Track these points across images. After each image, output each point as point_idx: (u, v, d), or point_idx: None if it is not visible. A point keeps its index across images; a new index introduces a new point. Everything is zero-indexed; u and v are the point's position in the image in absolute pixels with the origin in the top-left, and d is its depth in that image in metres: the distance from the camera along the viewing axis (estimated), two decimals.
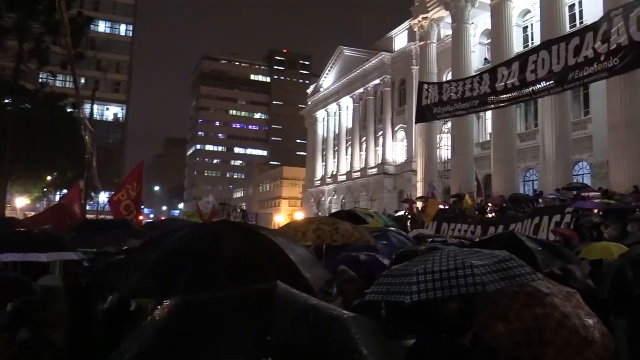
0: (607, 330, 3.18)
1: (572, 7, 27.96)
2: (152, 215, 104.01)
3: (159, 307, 1.76)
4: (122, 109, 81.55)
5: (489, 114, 29.47)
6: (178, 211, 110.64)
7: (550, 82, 17.95)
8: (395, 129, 44.35)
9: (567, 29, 25.04)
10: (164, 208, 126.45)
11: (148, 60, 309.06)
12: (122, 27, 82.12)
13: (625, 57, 15.07)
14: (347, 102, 52.13)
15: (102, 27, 78.33)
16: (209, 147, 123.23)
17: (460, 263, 2.57)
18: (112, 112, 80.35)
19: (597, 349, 2.94)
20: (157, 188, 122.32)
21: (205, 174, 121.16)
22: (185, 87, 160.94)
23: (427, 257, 2.83)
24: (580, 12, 27.64)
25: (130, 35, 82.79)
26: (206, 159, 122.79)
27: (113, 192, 12.26)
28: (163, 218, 38.46)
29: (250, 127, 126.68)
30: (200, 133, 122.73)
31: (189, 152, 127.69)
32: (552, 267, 4.51)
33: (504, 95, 19.84)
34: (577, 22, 27.17)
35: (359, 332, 1.57)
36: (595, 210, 14.01)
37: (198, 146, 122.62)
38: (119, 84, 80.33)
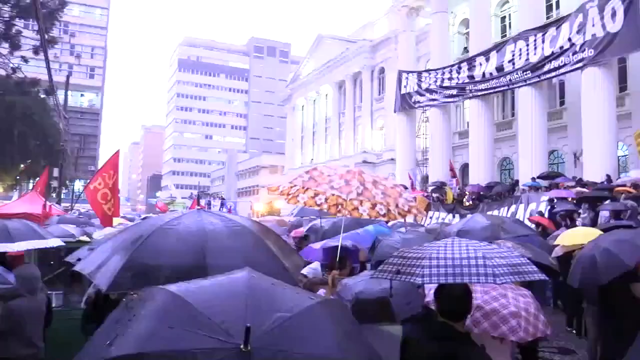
0: (538, 306, 3.40)
1: None
2: (129, 204, 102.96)
3: (135, 294, 1.78)
4: (97, 96, 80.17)
5: (467, 102, 29.71)
6: (155, 199, 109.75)
7: (527, 71, 18.18)
8: (375, 117, 44.46)
9: (544, 19, 25.30)
10: (142, 196, 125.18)
11: (124, 45, 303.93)
12: (97, 11, 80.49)
13: (600, 47, 15.32)
14: (326, 89, 52.03)
15: (76, 11, 76.66)
16: (186, 135, 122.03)
17: (473, 253, 2.72)
18: (87, 98, 78.94)
19: (522, 321, 3.16)
20: (134, 176, 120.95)
21: (183, 162, 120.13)
22: (162, 73, 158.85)
23: (438, 244, 2.98)
24: (557, 2, 27.90)
25: (106, 20, 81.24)
26: (184, 147, 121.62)
27: (89, 181, 12.10)
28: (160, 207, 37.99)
29: (228, 114, 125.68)
30: (177, 120, 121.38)
31: (166, 139, 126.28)
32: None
33: (482, 85, 20.06)
34: (554, 12, 27.46)
35: (326, 316, 1.61)
36: (570, 198, 14.30)
37: (176, 133, 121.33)
38: (94, 70, 78.89)
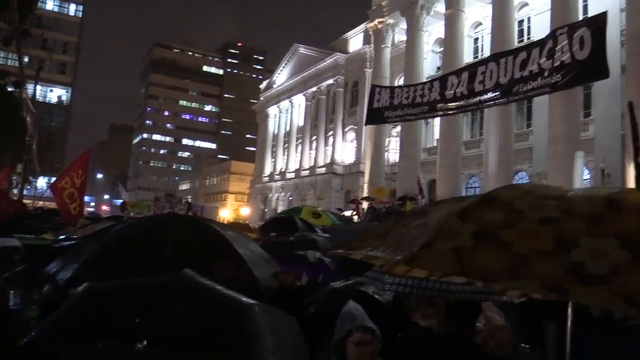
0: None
1: (521, 22, 29.03)
2: (93, 204, 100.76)
3: (76, 292, 1.79)
4: (67, 92, 78.45)
5: (437, 120, 30.19)
6: (120, 201, 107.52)
7: (497, 93, 18.50)
8: (346, 129, 44.73)
9: (516, 43, 25.96)
10: (106, 197, 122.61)
11: (98, 43, 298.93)
12: (72, 6, 79.00)
13: (568, 74, 15.73)
14: (299, 100, 52.15)
15: (50, 5, 75.15)
16: (156, 137, 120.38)
17: None
18: (56, 94, 77.16)
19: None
20: (99, 176, 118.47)
21: (151, 164, 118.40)
22: (135, 73, 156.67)
23: None
24: (529, 28, 28.74)
25: (80, 15, 79.76)
26: (153, 149, 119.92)
27: (55, 178, 11.79)
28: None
29: (200, 118, 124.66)
30: (148, 122, 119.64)
31: (135, 140, 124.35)
32: None
33: (453, 104, 20.27)
34: (525, 37, 28.23)
35: (263, 321, 1.61)
36: None
37: (145, 135, 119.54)
38: (65, 66, 77.20)
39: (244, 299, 1.70)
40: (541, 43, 17.54)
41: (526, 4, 28.91)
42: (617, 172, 19.80)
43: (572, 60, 15.84)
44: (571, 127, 21.58)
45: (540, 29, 24.95)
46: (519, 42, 26.90)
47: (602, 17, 15.27)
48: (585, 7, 24.79)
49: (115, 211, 64.75)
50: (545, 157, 22.77)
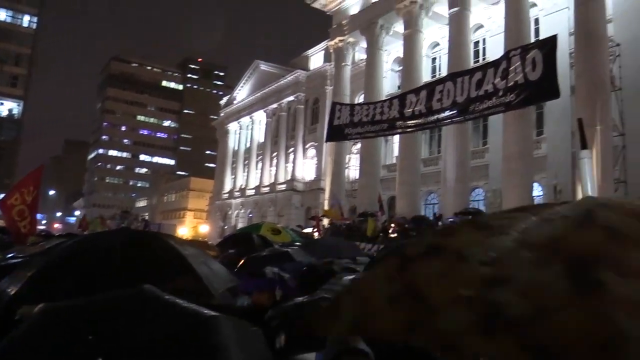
0: None
1: (477, 43, 29.92)
2: (44, 222, 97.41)
3: (31, 313, 1.74)
4: (18, 105, 75.97)
5: (396, 138, 30.63)
6: (74, 218, 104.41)
7: (454, 111, 18.96)
8: (307, 146, 44.85)
9: (472, 63, 26.72)
10: (59, 214, 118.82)
11: (53, 55, 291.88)
12: (26, 17, 76.86)
13: (521, 94, 16.26)
14: (260, 116, 52.06)
15: (2, 15, 73.02)
16: (112, 153, 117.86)
17: None
18: (7, 107, 74.61)
19: None
20: (52, 192, 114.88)
21: (107, 180, 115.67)
22: (91, 87, 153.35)
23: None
24: (484, 49, 29.64)
25: (34, 27, 77.71)
26: (109, 165, 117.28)
27: (4, 195, 11.31)
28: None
29: (158, 134, 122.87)
30: (104, 137, 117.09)
31: (90, 156, 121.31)
32: None
33: (411, 121, 20.68)
34: (481, 58, 29.09)
35: (228, 333, 1.59)
36: None
37: (101, 150, 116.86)
38: (17, 78, 74.80)
39: (207, 312, 1.67)
40: (496, 64, 18.12)
41: (481, 26, 29.85)
42: (568, 188, 20.48)
43: (525, 81, 16.40)
44: (525, 145, 22.28)
45: (495, 50, 25.79)
46: (474, 62, 27.70)
47: (552, 40, 15.90)
48: (537, 30, 25.77)
49: (68, 229, 62.77)
50: (501, 174, 23.38)
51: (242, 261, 6.44)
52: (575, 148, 20.60)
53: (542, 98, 19.12)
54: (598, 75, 20.08)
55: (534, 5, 25.95)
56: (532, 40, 23.00)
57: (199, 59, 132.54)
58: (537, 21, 26.09)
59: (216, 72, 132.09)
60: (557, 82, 15.41)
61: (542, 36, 23.81)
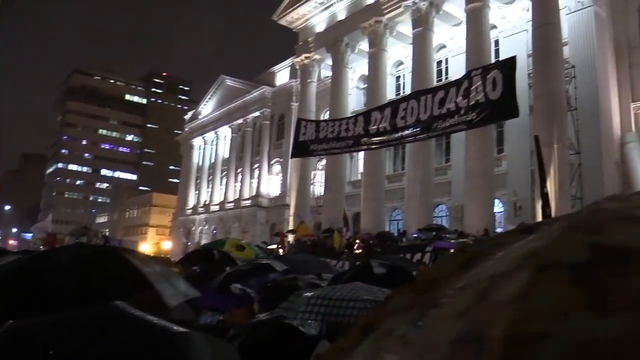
0: None
1: (439, 63, 30.61)
2: None
3: None
4: None
5: (361, 154, 30.90)
6: (30, 234, 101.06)
7: (417, 129, 19.30)
8: (272, 162, 44.76)
9: (435, 82, 27.29)
10: (14, 230, 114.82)
11: (10, 66, 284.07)
12: None
13: (482, 113, 16.69)
14: (225, 131, 51.74)
15: None
16: (72, 167, 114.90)
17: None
18: None
19: None
20: (7, 208, 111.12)
21: (66, 195, 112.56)
22: (51, 100, 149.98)
23: (356, 287, 3.23)
24: (446, 68, 30.35)
25: None
26: (68, 180, 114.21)
27: None
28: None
29: (120, 149, 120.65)
30: (64, 151, 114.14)
31: (49, 170, 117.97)
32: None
33: (376, 138, 20.95)
34: (444, 77, 29.76)
35: (202, 349, 1.57)
36: (451, 250, 15.09)
37: (60, 165, 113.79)
38: None
39: (179, 328, 1.64)
40: (458, 83, 18.56)
41: (444, 46, 30.57)
42: (528, 205, 21.02)
43: (486, 100, 16.84)
44: (486, 163, 22.82)
45: (457, 69, 26.46)
46: (437, 81, 28.30)
47: (512, 61, 16.41)
48: (497, 51, 26.56)
49: (24, 246, 60.70)
50: (463, 191, 23.82)
51: (225, 275, 6.35)
52: (534, 166, 21.21)
53: (502, 117, 19.64)
54: (555, 96, 20.80)
55: (494, 27, 26.78)
56: (493, 60, 23.71)
57: (164, 73, 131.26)
58: (497, 42, 26.90)
59: (181, 87, 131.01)
60: (516, 102, 15.89)
61: (502, 57, 24.55)
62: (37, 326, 1.58)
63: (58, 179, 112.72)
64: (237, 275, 6.52)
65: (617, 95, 23.68)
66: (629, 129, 23.41)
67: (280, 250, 25.19)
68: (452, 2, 27.55)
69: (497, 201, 24.68)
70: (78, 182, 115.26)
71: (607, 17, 24.07)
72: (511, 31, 26.64)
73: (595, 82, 22.45)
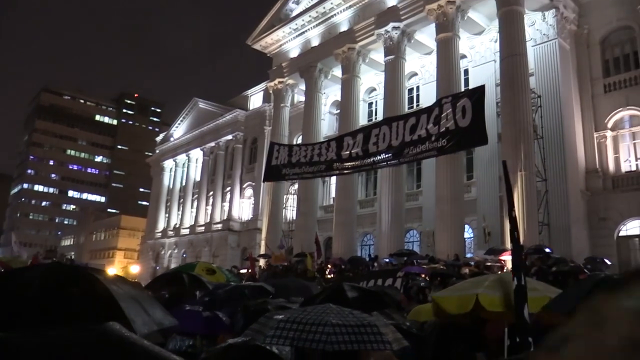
0: None
1: (410, 90, 31.21)
2: None
3: None
4: None
5: (333, 179, 31.07)
6: None
7: (389, 155, 19.54)
8: (244, 186, 44.56)
9: (406, 109, 27.78)
10: None
11: None
12: None
13: (452, 139, 17.03)
14: (197, 154, 51.42)
15: None
16: (38, 188, 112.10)
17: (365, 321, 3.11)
18: None
19: None
20: None
21: (31, 217, 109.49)
22: (18, 118, 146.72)
23: (327, 309, 3.25)
24: (418, 95, 30.96)
25: None
26: (33, 201, 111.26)
27: None
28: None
29: (89, 170, 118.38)
30: (29, 171, 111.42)
31: (13, 190, 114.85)
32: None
33: (348, 163, 21.13)
34: (415, 104, 30.32)
35: None
36: (422, 275, 15.22)
37: (25, 185, 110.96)
38: None
39: (171, 355, 1.65)
40: (428, 110, 18.94)
41: (415, 74, 31.22)
42: (497, 230, 21.35)
43: (456, 127, 17.22)
44: (456, 189, 23.17)
45: (427, 97, 27.03)
46: (409, 108, 28.81)
47: (481, 89, 16.85)
48: (466, 80, 27.24)
49: None
50: (434, 216, 24.09)
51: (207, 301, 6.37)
52: (502, 192, 21.63)
53: (472, 144, 20.08)
54: (522, 124, 21.35)
55: (464, 56, 27.49)
56: (462, 89, 24.28)
57: (136, 94, 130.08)
58: (466, 72, 27.60)
59: (153, 108, 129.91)
60: (485, 129, 16.27)
61: (471, 86, 25.22)
62: (27, 342, 1.56)
63: (23, 199, 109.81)
64: (232, 291, 6.56)
65: (580, 124, 24.48)
66: (593, 157, 24.16)
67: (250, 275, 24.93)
68: (424, 31, 28.24)
69: (467, 227, 25.02)
70: (44, 203, 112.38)
71: (571, 49, 25.00)
72: (480, 61, 27.39)
73: (559, 111, 23.19)
